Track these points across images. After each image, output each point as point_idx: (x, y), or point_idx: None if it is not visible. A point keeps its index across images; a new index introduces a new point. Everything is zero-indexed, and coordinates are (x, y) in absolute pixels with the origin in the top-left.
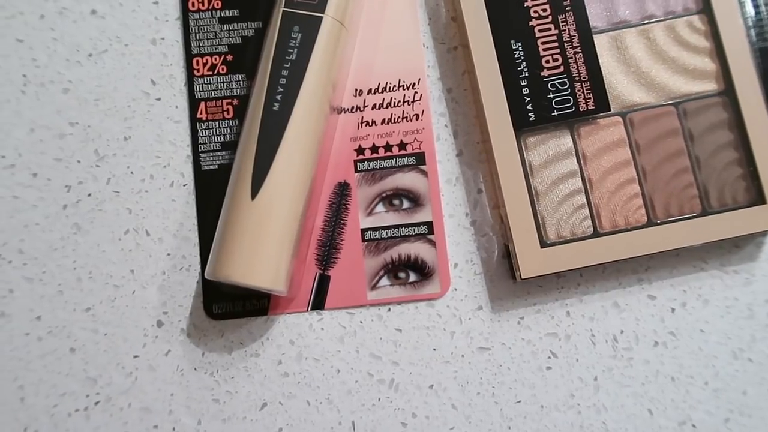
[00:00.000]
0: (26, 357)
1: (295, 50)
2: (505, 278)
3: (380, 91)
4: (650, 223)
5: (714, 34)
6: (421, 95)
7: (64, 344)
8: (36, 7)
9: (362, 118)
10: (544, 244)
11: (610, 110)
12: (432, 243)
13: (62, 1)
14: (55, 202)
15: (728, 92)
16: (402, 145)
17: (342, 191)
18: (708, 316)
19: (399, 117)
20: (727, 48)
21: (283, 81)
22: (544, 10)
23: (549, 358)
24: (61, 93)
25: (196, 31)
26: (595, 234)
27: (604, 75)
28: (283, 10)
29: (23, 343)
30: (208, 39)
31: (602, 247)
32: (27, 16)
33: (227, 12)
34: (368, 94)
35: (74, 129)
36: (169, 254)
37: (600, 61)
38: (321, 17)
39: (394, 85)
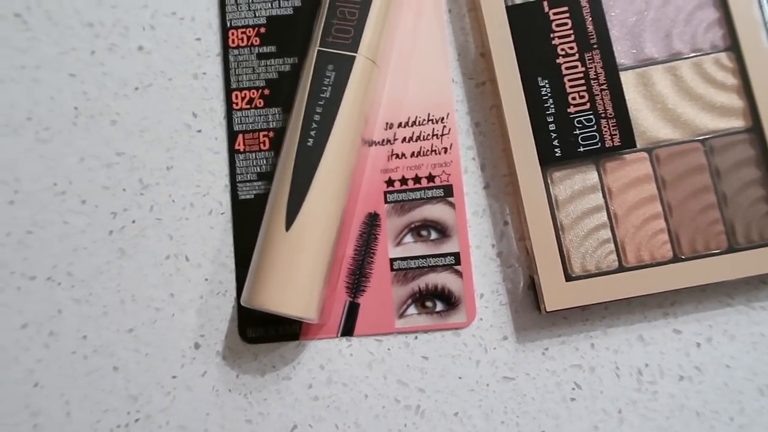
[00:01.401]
0: (72, 374)
1: (329, 88)
2: (530, 309)
3: (410, 124)
4: (676, 259)
5: (741, 72)
6: (449, 129)
7: (107, 363)
8: (87, 44)
9: (392, 150)
10: (569, 278)
11: (636, 146)
12: (459, 273)
13: (111, 38)
14: (102, 227)
15: (755, 129)
16: (430, 178)
17: (372, 222)
18: (734, 352)
19: (428, 150)
20: (754, 85)
21: (317, 117)
22: (571, 48)
23: (573, 389)
24: (110, 125)
25: (236, 66)
26: (621, 268)
27: (630, 111)
28: (318, 50)
29: (70, 361)
30: (246, 74)
31: (627, 281)
32: (79, 52)
33: (265, 48)
34: (399, 127)
35: (121, 159)
36: (206, 279)
37: (626, 98)
38: (354, 56)
39: (424, 119)
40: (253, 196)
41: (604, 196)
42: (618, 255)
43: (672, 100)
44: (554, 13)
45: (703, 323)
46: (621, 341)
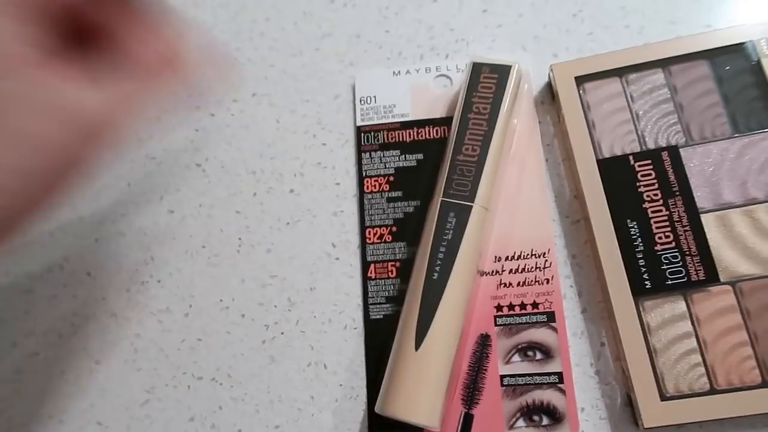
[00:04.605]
0: None
1: (451, 231)
2: (628, 424)
3: (516, 258)
4: (765, 384)
5: None
6: (551, 263)
7: None
8: (251, 187)
9: (501, 280)
10: (663, 397)
11: (719, 281)
12: (562, 391)
13: (269, 183)
14: (257, 337)
15: None
16: (534, 305)
17: (484, 342)
18: None
19: (532, 281)
20: None
21: (440, 255)
22: (656, 195)
23: None
24: (265, 252)
25: (369, 207)
26: (712, 391)
27: (712, 249)
28: (442, 200)
29: None
30: (377, 214)
31: (719, 403)
32: (244, 194)
33: (393, 193)
34: (506, 260)
35: (273, 281)
36: (341, 385)
37: (708, 237)
38: (471, 206)
39: (528, 254)
40: (382, 316)
41: (693, 324)
42: (709, 378)
43: (751, 239)
44: (639, 165)
45: None
46: None
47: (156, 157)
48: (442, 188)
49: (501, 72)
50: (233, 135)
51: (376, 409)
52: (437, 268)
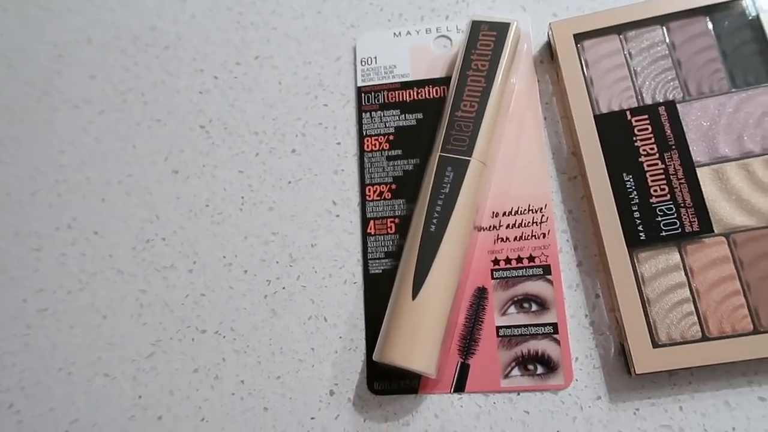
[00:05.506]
0: (231, 412)
1: (448, 185)
2: (622, 373)
3: (513, 213)
4: (756, 331)
5: None
6: (547, 218)
7: (259, 404)
8: (253, 148)
9: (498, 235)
10: (656, 345)
11: (713, 231)
12: (557, 341)
13: (272, 143)
14: (259, 292)
15: None
16: (531, 258)
17: (481, 294)
18: None
19: (529, 235)
20: None
21: (438, 208)
22: (652, 149)
23: None
24: (267, 210)
25: (369, 165)
26: (704, 338)
27: (707, 202)
28: (440, 155)
29: (230, 401)
30: (377, 172)
31: (710, 350)
32: (247, 155)
33: (393, 152)
34: (503, 216)
35: (275, 237)
36: (341, 337)
37: (703, 190)
38: (468, 160)
39: (525, 209)
40: (381, 271)
41: (686, 274)
42: (701, 326)
43: (746, 192)
44: (636, 120)
45: None
46: (707, 405)
47: (161, 119)
48: (441, 144)
49: (499, 29)
50: (236, 97)
51: (374, 357)
52: (434, 221)
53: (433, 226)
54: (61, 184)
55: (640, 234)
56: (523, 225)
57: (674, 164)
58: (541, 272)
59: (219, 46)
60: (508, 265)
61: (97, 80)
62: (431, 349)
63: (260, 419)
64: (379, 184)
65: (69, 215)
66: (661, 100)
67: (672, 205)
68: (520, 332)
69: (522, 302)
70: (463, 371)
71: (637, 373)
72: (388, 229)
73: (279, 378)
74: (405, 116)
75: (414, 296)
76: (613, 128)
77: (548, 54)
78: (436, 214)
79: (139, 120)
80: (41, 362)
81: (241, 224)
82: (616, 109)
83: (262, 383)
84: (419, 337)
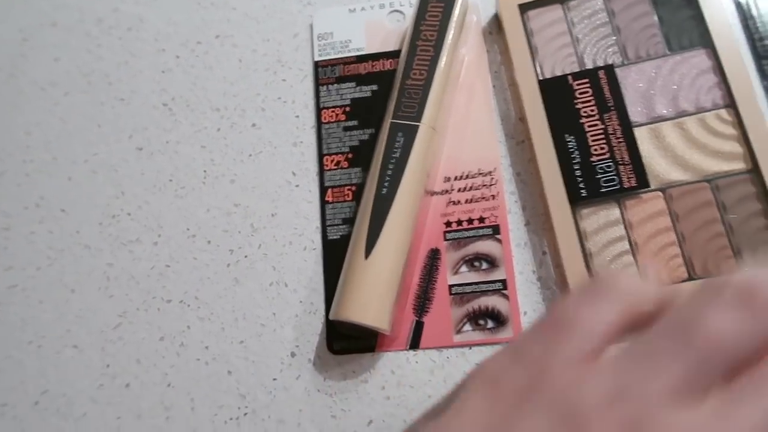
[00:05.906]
0: (196, 377)
1: (399, 150)
2: None
3: (464, 177)
4: (690, 278)
5: (739, 124)
6: (496, 180)
7: (223, 368)
8: (214, 123)
9: (450, 198)
10: None
11: (650, 186)
12: (506, 296)
13: (233, 119)
14: (222, 261)
15: (754, 171)
16: (481, 219)
17: (434, 256)
18: None
19: (479, 197)
20: (750, 134)
21: (389, 172)
22: (592, 111)
23: None
24: (229, 183)
25: (326, 136)
26: None
27: (643, 159)
28: (391, 122)
29: (195, 366)
30: (334, 142)
31: None
32: (209, 130)
33: (349, 123)
34: (455, 180)
35: (237, 209)
36: (301, 301)
37: (640, 148)
38: (418, 125)
39: (475, 173)
40: (339, 237)
41: (626, 228)
42: (640, 275)
43: (681, 149)
44: (577, 84)
45: None
46: None
47: (125, 98)
48: (392, 111)
49: (447, 1)
50: (198, 75)
51: (330, 316)
52: (386, 184)
53: (384, 189)
54: (28, 164)
55: (582, 191)
56: (473, 188)
57: (613, 124)
58: (491, 232)
59: (180, 26)
60: (460, 227)
61: (62, 62)
62: (384, 305)
63: (225, 382)
64: (337, 153)
65: (37, 194)
66: (601, 64)
67: (611, 163)
68: (471, 289)
69: (473, 261)
70: (418, 329)
71: None
72: (346, 197)
73: (242, 342)
74: (360, 88)
75: (367, 255)
76: (555, 92)
77: (496, 25)
78: (387, 178)
79: (103, 100)
80: (11, 336)
81: (204, 197)
82: (559, 74)
83: (225, 348)
84: (372, 294)
